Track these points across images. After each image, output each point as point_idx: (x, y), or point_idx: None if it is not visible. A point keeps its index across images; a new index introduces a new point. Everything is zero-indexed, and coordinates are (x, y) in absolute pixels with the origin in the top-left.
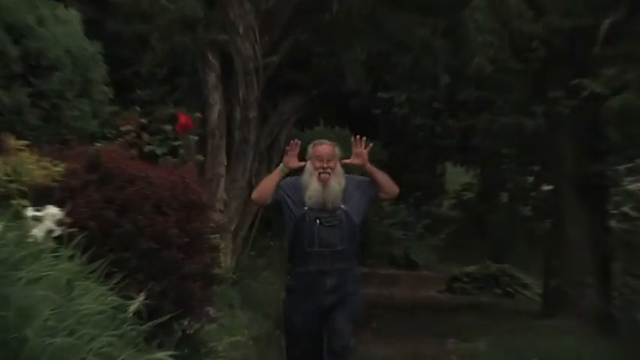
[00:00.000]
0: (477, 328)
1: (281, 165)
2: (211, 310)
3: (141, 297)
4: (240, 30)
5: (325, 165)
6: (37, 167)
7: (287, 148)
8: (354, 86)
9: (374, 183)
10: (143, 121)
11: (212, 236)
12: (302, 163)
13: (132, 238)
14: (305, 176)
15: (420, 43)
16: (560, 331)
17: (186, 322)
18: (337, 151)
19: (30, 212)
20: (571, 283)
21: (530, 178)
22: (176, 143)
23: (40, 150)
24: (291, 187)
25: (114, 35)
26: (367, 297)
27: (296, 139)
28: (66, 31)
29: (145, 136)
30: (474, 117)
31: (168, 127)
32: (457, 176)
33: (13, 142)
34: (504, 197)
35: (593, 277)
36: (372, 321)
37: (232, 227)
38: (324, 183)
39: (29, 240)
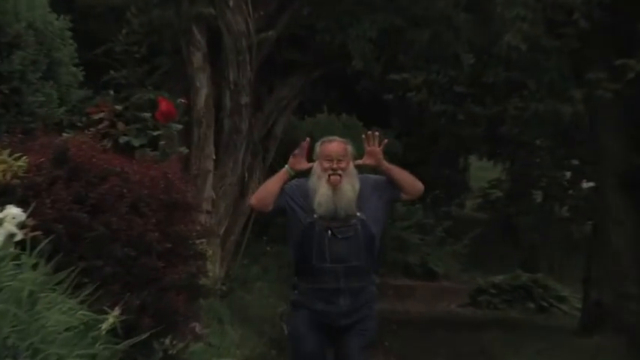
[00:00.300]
0: (505, 348)
1: (286, 167)
2: (197, 327)
3: (116, 311)
4: (231, 2)
5: (335, 166)
6: None
7: (300, 145)
8: (363, 67)
9: (393, 183)
10: (118, 107)
11: (198, 241)
12: (310, 165)
13: (105, 244)
14: (313, 179)
15: (439, 17)
16: (601, 351)
17: (168, 341)
18: (350, 149)
19: None
20: (614, 295)
21: (568, 174)
22: (156, 133)
23: None
24: (297, 191)
25: (84, 8)
26: (378, 312)
27: (307, 138)
28: (29, 3)
29: (120, 125)
30: (502, 102)
31: (147, 115)
32: (483, 172)
33: None
34: (538, 196)
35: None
36: (384, 339)
37: (221, 231)
38: (334, 187)
39: None
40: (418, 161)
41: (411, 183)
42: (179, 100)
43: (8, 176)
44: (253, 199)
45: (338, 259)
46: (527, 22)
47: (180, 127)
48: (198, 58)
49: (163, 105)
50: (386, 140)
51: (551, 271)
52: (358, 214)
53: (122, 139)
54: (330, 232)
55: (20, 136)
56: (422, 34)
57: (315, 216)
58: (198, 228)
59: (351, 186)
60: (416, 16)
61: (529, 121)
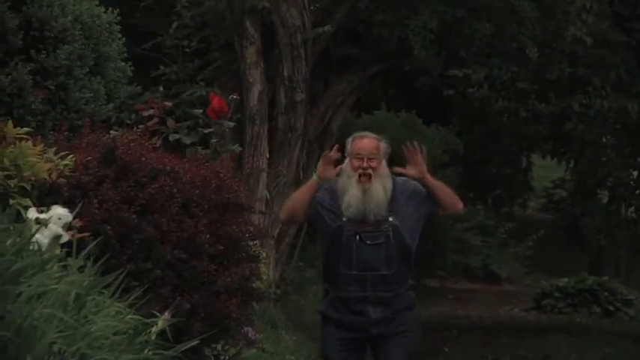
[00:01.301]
0: (569, 354)
1: (314, 175)
2: (250, 332)
3: (166, 315)
4: None
5: (365, 164)
6: (41, 160)
7: (325, 154)
8: (422, 62)
9: (432, 197)
10: (168, 103)
11: (251, 243)
12: (338, 169)
13: (155, 246)
14: (342, 179)
15: (502, 9)
16: None
17: (219, 346)
18: (383, 146)
19: (32, 214)
20: None
21: (635, 173)
22: (207, 131)
23: (44, 139)
24: (327, 197)
25: (132, 1)
26: (438, 317)
27: (336, 146)
28: None
29: (170, 122)
30: (566, 99)
31: (198, 112)
32: (546, 171)
33: (11, 129)
34: (604, 196)
35: None
36: (444, 345)
37: (275, 232)
38: (364, 187)
39: (31, 247)
40: (479, 160)
41: (451, 202)
42: (231, 96)
43: (54, 175)
44: (283, 214)
45: (366, 267)
46: (592, 14)
47: (232, 124)
48: (251, 52)
49: (215, 101)
50: (424, 151)
51: (618, 274)
52: (390, 219)
53: (172, 137)
54: (358, 237)
55: (66, 133)
56: (484, 27)
57: (343, 219)
58: (252, 229)
59: (381, 187)
60: (478, 7)
61: (594, 119)
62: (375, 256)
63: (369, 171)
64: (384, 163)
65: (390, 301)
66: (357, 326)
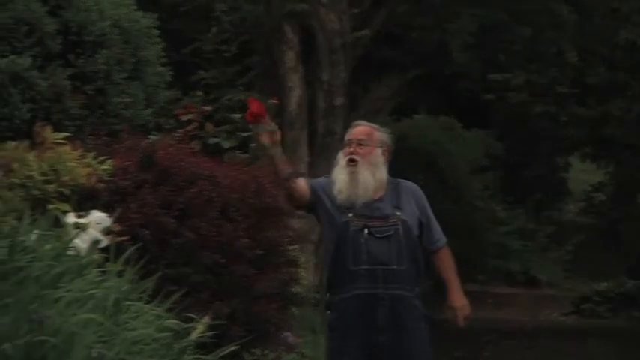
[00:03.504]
0: (610, 358)
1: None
2: (289, 337)
3: (205, 320)
4: None
5: (353, 149)
6: (80, 165)
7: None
8: (462, 66)
9: (430, 234)
10: (207, 108)
11: (290, 247)
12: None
13: (193, 250)
14: (336, 169)
15: (541, 13)
16: None
17: (258, 351)
18: (379, 135)
19: (71, 219)
20: None
21: None
22: (246, 135)
23: (83, 144)
24: (327, 186)
25: (171, 6)
26: (477, 321)
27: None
28: (113, 0)
29: (208, 127)
30: (605, 103)
31: (236, 116)
32: (586, 174)
33: (50, 133)
34: None
35: None
36: (484, 350)
37: (315, 237)
38: (351, 171)
39: (70, 252)
40: (519, 164)
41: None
42: (270, 101)
43: (93, 180)
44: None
45: (376, 261)
46: None
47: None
48: (290, 57)
49: (254, 106)
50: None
51: None
52: (398, 213)
53: (211, 141)
54: (366, 230)
55: (105, 138)
56: (523, 31)
57: (350, 215)
58: (291, 234)
59: (370, 174)
60: (517, 11)
61: (633, 122)
62: (385, 250)
63: (355, 157)
64: (377, 152)
65: (401, 303)
66: (361, 330)
